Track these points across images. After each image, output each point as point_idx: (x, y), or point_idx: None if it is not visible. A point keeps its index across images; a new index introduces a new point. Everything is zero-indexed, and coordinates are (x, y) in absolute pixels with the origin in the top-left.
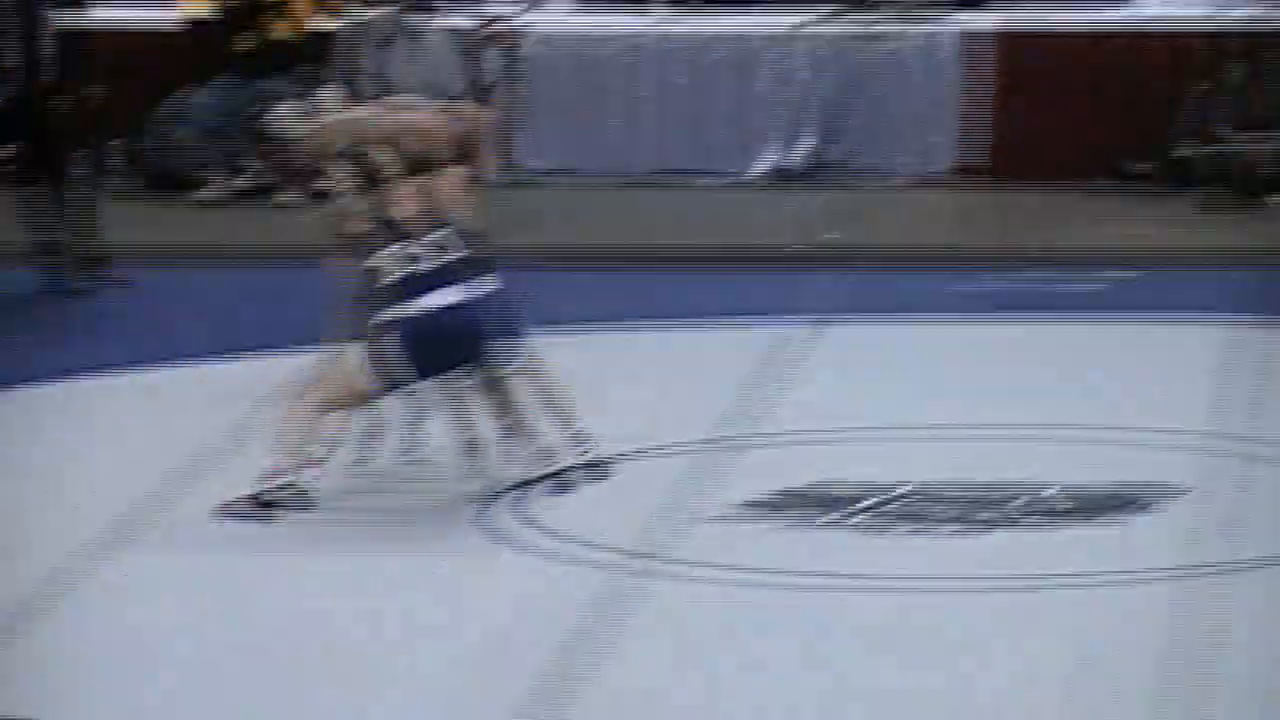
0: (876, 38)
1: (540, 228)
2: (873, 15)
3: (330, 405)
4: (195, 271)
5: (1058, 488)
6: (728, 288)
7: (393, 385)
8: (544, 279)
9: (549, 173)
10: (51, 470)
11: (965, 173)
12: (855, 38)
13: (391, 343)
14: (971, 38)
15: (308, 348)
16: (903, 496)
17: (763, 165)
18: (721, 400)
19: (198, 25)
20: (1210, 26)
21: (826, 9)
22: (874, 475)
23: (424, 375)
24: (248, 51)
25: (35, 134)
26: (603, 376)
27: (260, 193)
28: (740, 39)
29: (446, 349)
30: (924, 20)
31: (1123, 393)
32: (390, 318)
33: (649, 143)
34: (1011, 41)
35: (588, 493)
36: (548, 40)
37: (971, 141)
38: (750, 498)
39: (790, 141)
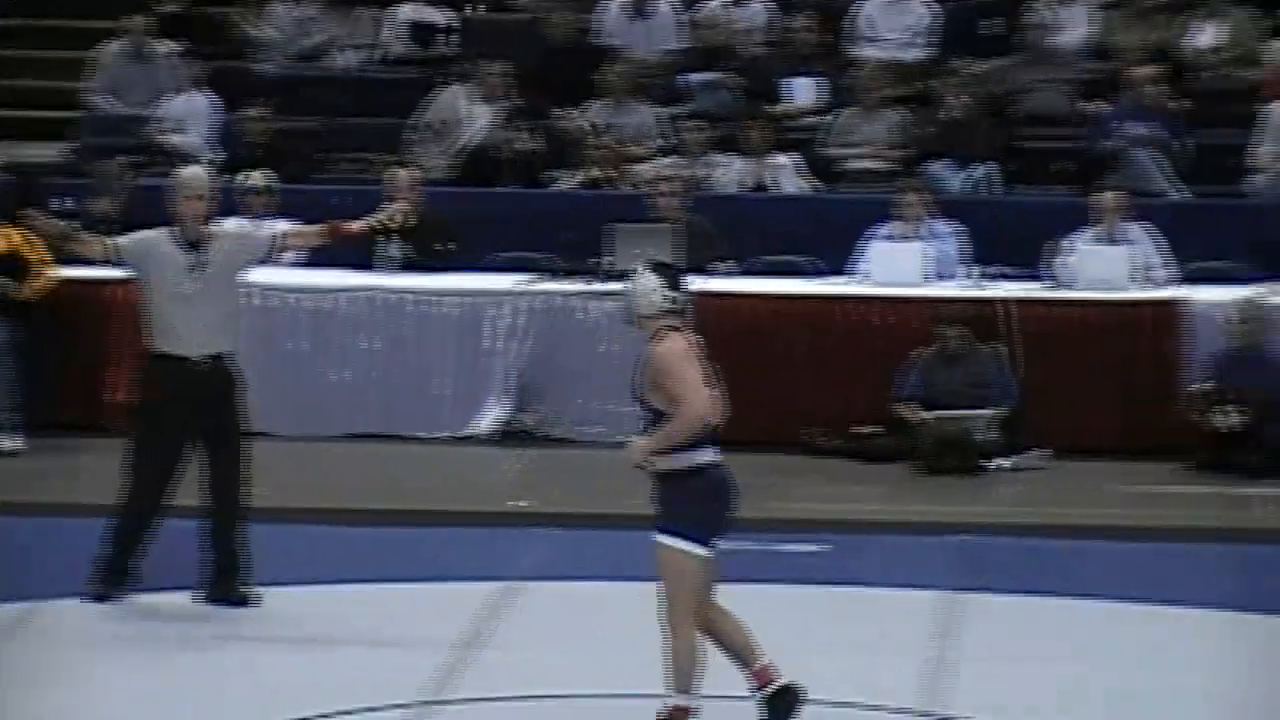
0: (594, 297)
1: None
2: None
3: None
4: None
5: None
6: (446, 546)
7: None
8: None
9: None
10: None
11: None
12: (571, 296)
13: None
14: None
15: None
16: None
17: (485, 422)
18: (429, 661)
19: None
20: (926, 295)
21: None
22: None
23: None
24: None
25: None
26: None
27: None
28: (465, 294)
29: None
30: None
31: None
32: None
33: (374, 398)
34: (706, 304)
35: None
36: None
37: None
38: None
39: (504, 400)
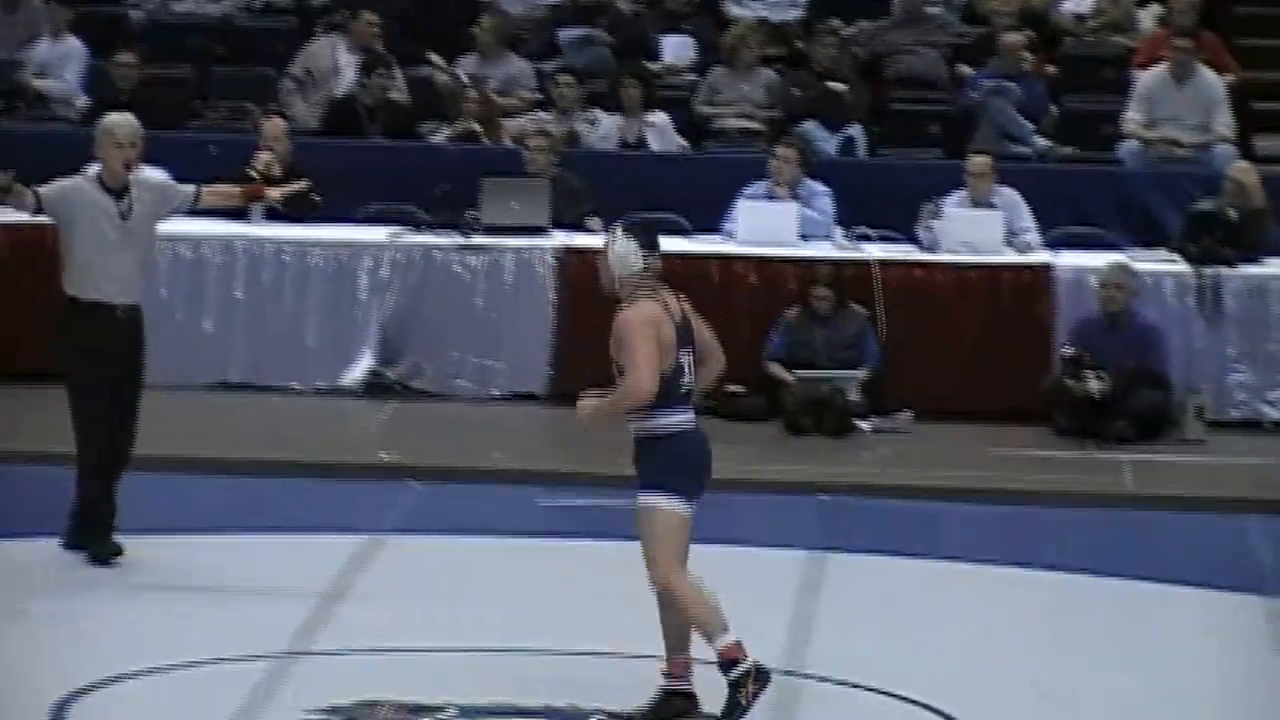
0: (465, 250)
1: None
2: (460, 231)
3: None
4: None
5: (599, 714)
6: (312, 497)
7: None
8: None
9: None
10: None
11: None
12: (441, 249)
13: None
14: (540, 257)
15: None
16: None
17: (354, 374)
18: (290, 613)
19: None
20: (798, 255)
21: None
22: (420, 694)
23: None
24: None
25: None
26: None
27: None
28: (334, 246)
29: None
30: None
31: None
32: None
33: (244, 348)
34: (577, 260)
35: (149, 700)
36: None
37: (534, 363)
38: (299, 715)
39: (372, 352)
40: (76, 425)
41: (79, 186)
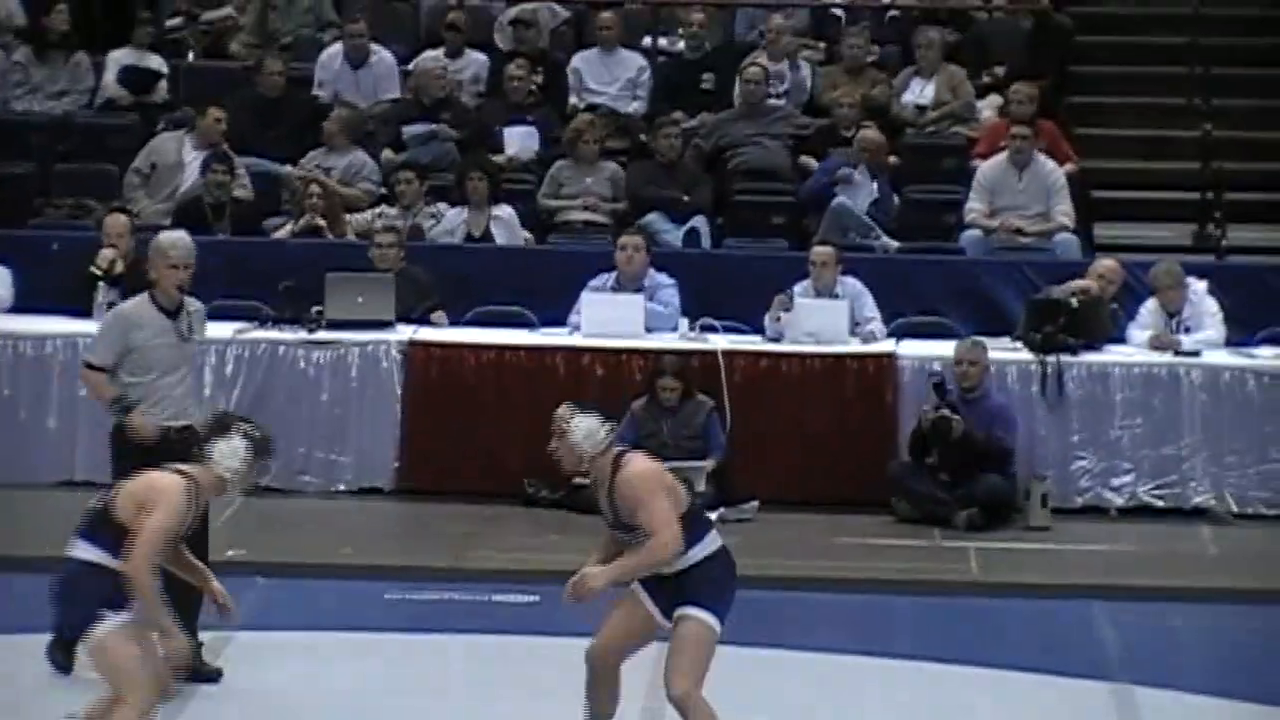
0: (310, 345)
1: None
2: (305, 326)
3: None
4: None
5: None
6: None
7: None
8: None
9: None
10: None
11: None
12: (287, 345)
13: None
14: (385, 351)
15: None
16: None
17: None
18: None
19: None
20: (644, 346)
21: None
22: None
23: None
24: None
25: None
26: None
27: None
28: None
29: None
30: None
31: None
32: None
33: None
34: (423, 354)
35: None
36: None
37: (381, 457)
38: None
39: None
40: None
41: (137, 311)
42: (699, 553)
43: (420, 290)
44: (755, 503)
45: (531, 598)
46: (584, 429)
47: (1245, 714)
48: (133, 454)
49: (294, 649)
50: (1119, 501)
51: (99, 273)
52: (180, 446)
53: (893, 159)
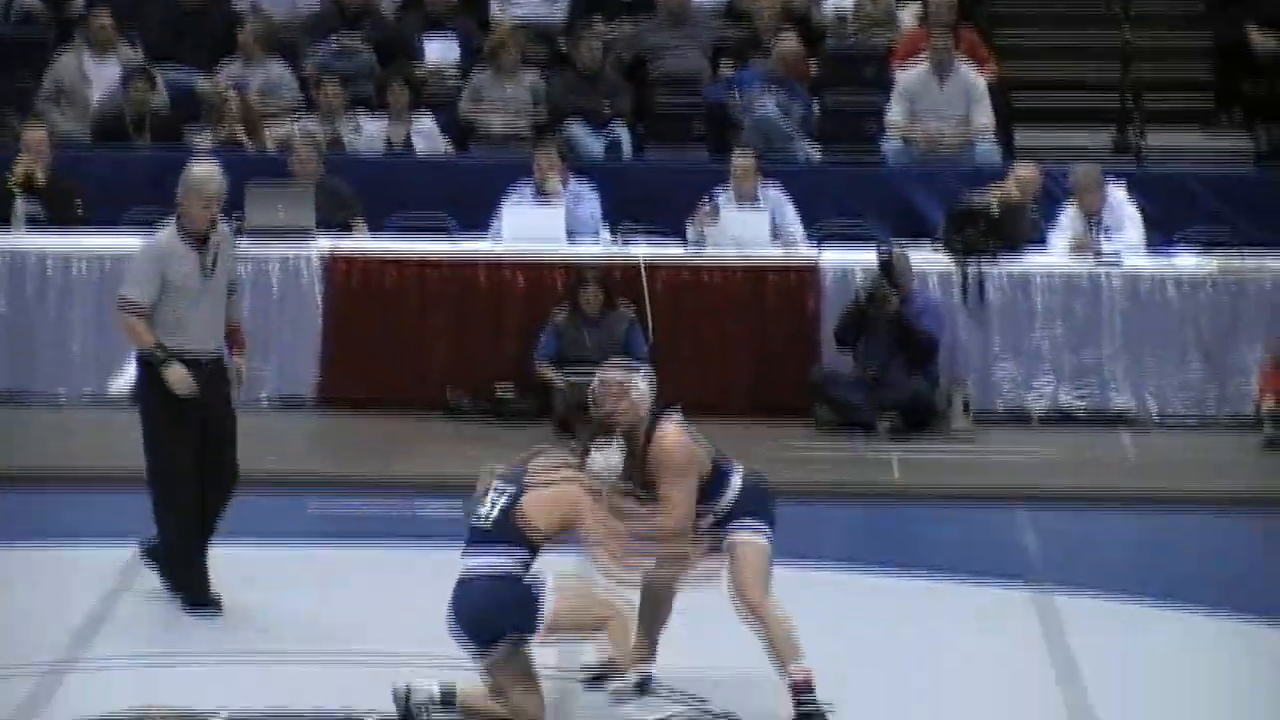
0: None
1: None
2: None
3: None
4: None
5: (373, 714)
6: (81, 508)
7: None
8: None
9: None
10: None
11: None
12: None
13: None
14: (306, 262)
15: None
16: None
17: (122, 384)
18: (63, 623)
19: None
20: (565, 256)
21: None
22: (192, 701)
23: None
24: None
25: None
26: None
27: None
28: (99, 255)
29: None
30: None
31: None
32: None
33: (9, 357)
34: (344, 266)
35: None
36: None
37: (302, 368)
38: None
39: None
40: (157, 491)
41: (167, 244)
42: (729, 498)
43: (340, 200)
44: (678, 412)
45: (455, 507)
46: (643, 390)
47: (1163, 616)
48: (161, 402)
49: (219, 560)
50: (1040, 407)
51: (14, 184)
52: (211, 377)
53: (810, 67)
